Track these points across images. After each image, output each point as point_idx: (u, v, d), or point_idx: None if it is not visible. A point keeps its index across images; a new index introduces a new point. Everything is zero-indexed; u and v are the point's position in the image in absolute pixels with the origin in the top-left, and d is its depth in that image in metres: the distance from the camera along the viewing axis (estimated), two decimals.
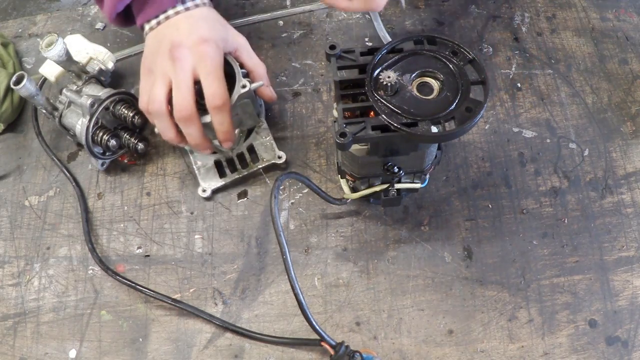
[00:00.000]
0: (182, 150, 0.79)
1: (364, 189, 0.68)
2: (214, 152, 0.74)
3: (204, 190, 0.74)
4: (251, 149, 0.76)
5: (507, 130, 0.79)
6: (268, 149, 0.76)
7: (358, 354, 0.61)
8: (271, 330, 0.68)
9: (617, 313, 0.67)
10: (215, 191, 0.75)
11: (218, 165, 0.76)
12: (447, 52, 0.58)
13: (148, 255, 0.73)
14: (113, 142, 0.73)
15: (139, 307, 0.70)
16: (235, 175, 0.75)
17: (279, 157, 0.75)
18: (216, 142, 0.71)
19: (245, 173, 0.75)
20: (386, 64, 0.58)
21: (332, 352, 0.61)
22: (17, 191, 0.78)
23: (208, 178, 0.75)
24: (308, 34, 0.88)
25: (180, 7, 0.68)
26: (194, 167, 0.76)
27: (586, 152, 0.77)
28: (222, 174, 0.75)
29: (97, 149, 0.75)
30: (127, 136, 0.76)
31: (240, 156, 0.76)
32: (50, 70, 0.76)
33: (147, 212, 0.76)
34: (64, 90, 0.74)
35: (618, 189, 0.75)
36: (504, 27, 0.88)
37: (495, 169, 0.76)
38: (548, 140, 0.78)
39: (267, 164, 0.75)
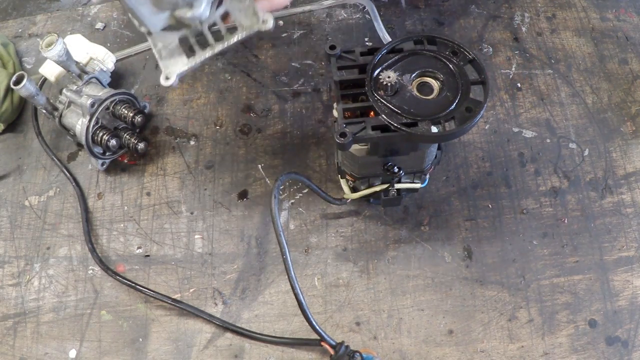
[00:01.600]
0: (182, 150, 0.79)
1: (364, 189, 0.68)
2: (177, 28, 0.59)
3: (167, 78, 0.59)
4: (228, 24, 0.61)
5: (507, 130, 0.79)
6: (248, 14, 0.58)
7: (358, 354, 0.61)
8: (271, 330, 0.68)
9: (617, 313, 0.67)
10: (183, 77, 0.62)
11: (184, 44, 0.61)
12: (447, 52, 0.58)
13: (148, 255, 0.73)
14: (113, 142, 0.73)
15: (139, 307, 0.70)
16: (207, 52, 0.60)
17: (264, 21, 0.57)
18: (181, 12, 0.57)
19: (221, 47, 0.59)
20: (386, 64, 0.58)
21: (332, 352, 0.61)
22: (17, 191, 0.78)
23: (172, 62, 0.60)
24: (308, 34, 0.88)
25: None
26: (154, 50, 0.60)
27: (586, 152, 0.77)
28: (190, 54, 0.60)
29: (97, 149, 0.75)
30: (127, 136, 0.76)
31: (214, 29, 0.60)
32: (50, 70, 0.76)
33: (147, 212, 0.76)
34: (64, 90, 0.74)
35: (618, 189, 0.75)
36: (504, 27, 0.88)
37: (495, 169, 0.76)
38: (548, 140, 0.78)
39: (248, 32, 0.58)
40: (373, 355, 0.62)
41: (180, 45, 0.60)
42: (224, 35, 0.60)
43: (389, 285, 0.70)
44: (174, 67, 0.59)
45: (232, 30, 0.59)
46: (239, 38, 0.59)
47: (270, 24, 0.57)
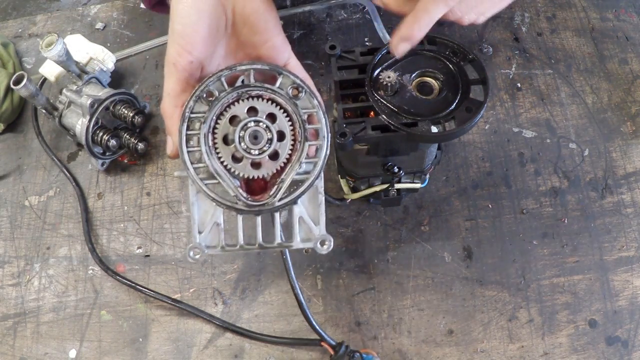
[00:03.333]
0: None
1: (364, 189, 0.68)
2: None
3: (195, 250, 0.50)
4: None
5: (507, 130, 0.79)
6: (307, 230, 0.50)
7: (358, 354, 0.61)
8: (271, 330, 0.68)
9: (617, 313, 0.67)
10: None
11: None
12: (447, 52, 0.58)
13: (148, 255, 0.73)
14: (113, 142, 0.73)
15: (139, 307, 0.70)
16: (251, 248, 0.51)
17: (322, 243, 0.50)
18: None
19: (265, 249, 0.51)
20: (386, 64, 0.58)
21: (332, 352, 0.61)
22: (17, 191, 0.78)
23: (206, 237, 0.51)
24: (308, 34, 0.88)
25: None
26: (191, 212, 0.50)
27: (586, 152, 0.77)
28: (230, 241, 0.51)
29: (97, 149, 0.75)
30: (127, 136, 0.76)
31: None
32: (50, 70, 0.76)
33: (147, 212, 0.76)
34: (64, 90, 0.74)
35: (618, 189, 0.75)
36: (504, 27, 0.88)
37: (495, 169, 0.76)
38: (548, 140, 0.78)
39: (301, 247, 0.50)
40: (373, 355, 0.62)
41: (218, 225, 0.51)
42: (275, 239, 0.51)
43: (389, 285, 0.70)
44: (205, 241, 0.51)
45: (288, 237, 0.51)
46: (289, 248, 0.51)
47: (327, 248, 0.50)
